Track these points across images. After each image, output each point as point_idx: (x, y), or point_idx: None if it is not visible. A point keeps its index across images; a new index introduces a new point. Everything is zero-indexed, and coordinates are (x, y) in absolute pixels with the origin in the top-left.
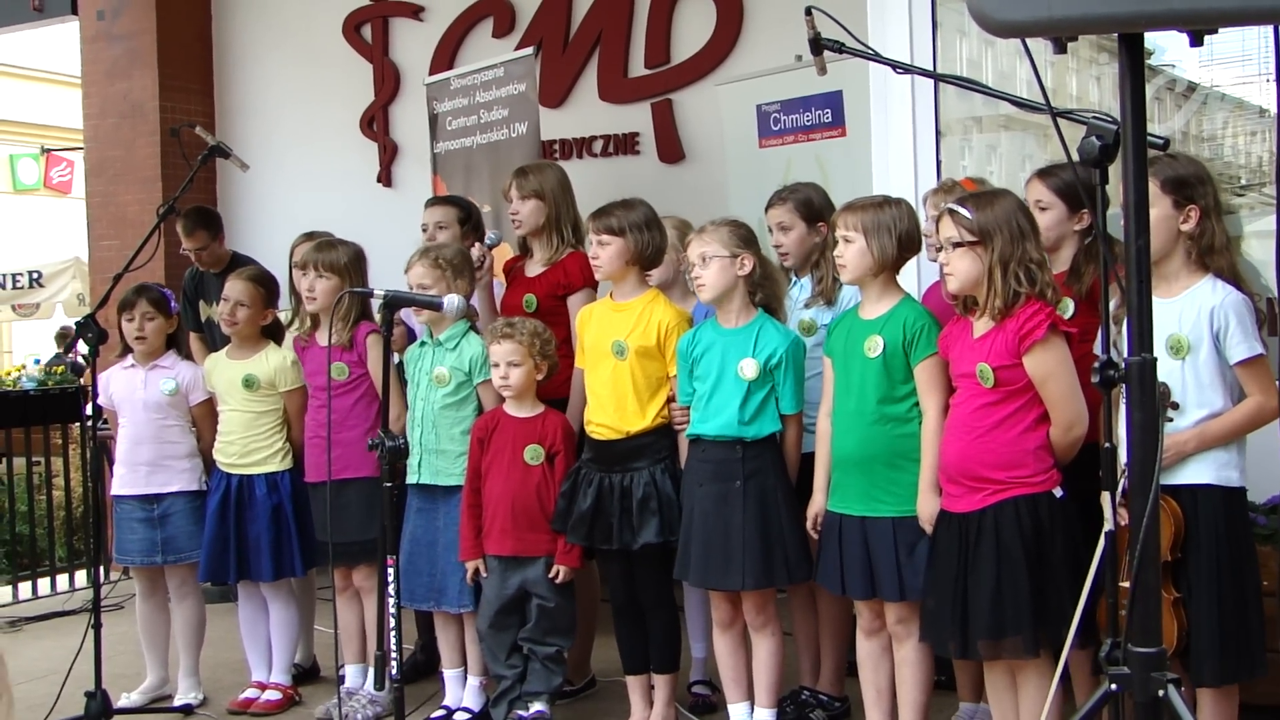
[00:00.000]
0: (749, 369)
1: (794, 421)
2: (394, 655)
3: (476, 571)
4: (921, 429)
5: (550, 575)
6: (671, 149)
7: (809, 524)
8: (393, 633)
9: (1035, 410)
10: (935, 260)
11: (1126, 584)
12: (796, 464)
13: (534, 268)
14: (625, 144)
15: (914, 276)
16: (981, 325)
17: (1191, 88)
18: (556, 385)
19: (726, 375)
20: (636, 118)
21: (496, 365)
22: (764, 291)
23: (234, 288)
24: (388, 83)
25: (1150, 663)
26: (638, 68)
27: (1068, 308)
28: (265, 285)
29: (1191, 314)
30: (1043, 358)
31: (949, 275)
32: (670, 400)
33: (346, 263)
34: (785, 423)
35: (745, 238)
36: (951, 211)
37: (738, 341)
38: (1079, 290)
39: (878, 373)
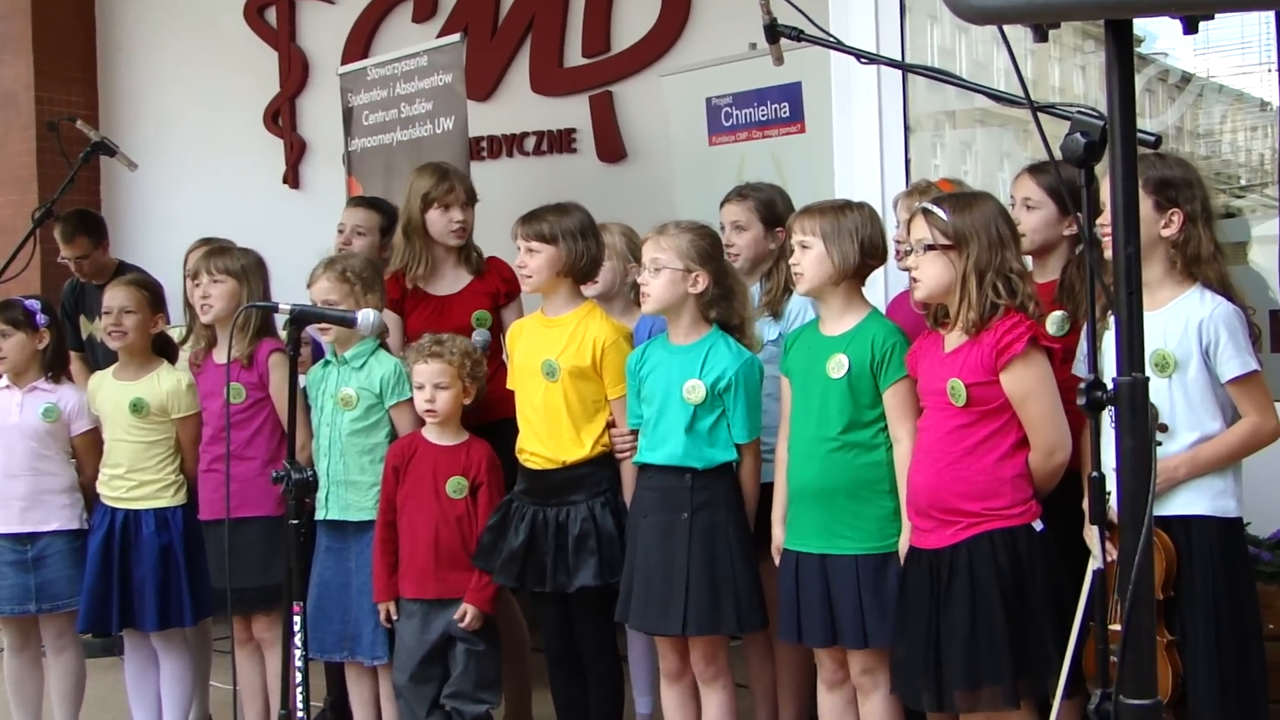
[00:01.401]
0: (694, 391)
1: (749, 450)
2: (300, 714)
3: (390, 615)
4: (895, 461)
5: (456, 617)
6: (612, 147)
7: (774, 552)
8: (299, 689)
9: (1013, 434)
10: (905, 269)
11: (1117, 627)
12: (754, 498)
13: (454, 282)
14: (561, 141)
15: (880, 292)
16: (953, 339)
17: (1186, 79)
18: (504, 405)
19: (673, 397)
20: (573, 112)
21: (421, 387)
22: (720, 310)
23: (115, 295)
24: (295, 72)
25: (1145, 717)
26: (574, 57)
27: (1057, 322)
28: (150, 289)
29: (1178, 328)
30: (1022, 374)
31: (917, 280)
32: (610, 426)
33: (244, 267)
34: (741, 452)
35: (705, 252)
36: (925, 211)
37: (685, 361)
38: (1073, 309)
39: (841, 395)
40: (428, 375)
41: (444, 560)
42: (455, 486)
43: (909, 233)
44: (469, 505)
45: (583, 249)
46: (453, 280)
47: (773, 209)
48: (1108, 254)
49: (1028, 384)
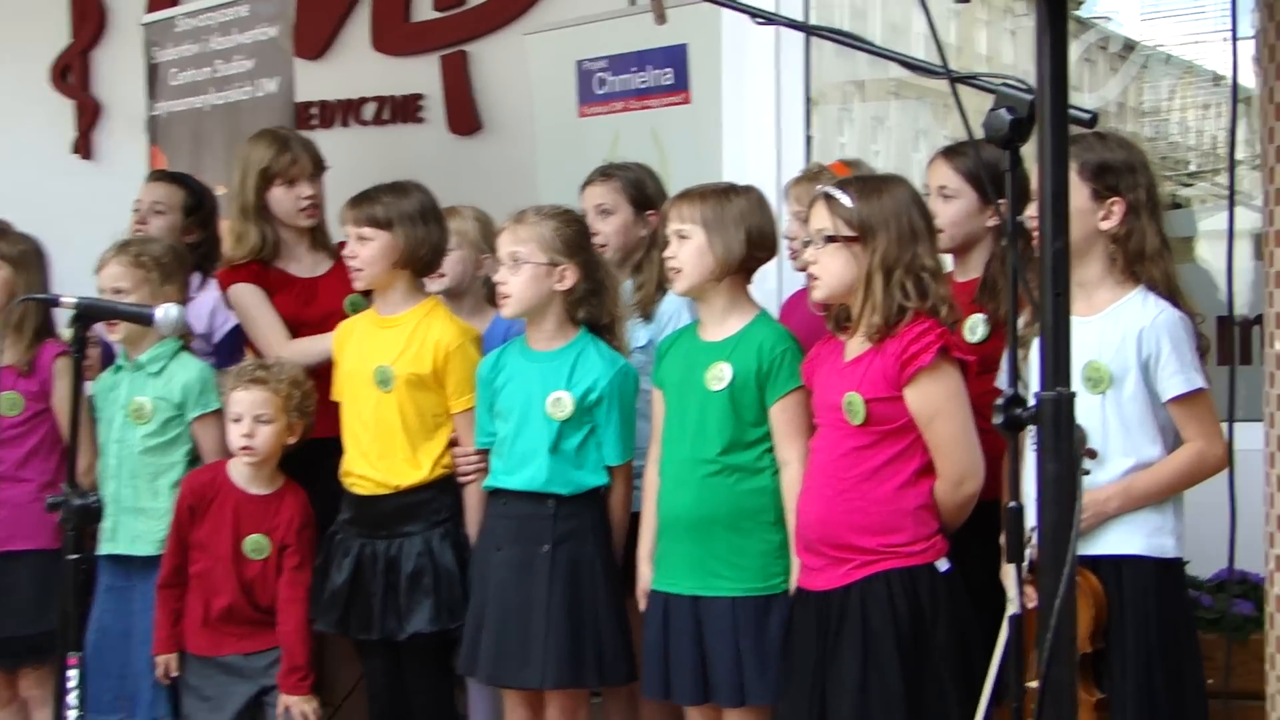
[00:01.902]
0: (561, 405)
1: (621, 475)
2: None
3: (169, 670)
4: (783, 484)
5: (279, 714)
6: (465, 116)
7: (639, 594)
8: None
9: (917, 459)
10: (799, 266)
11: (1034, 684)
12: (623, 530)
13: (314, 266)
14: (405, 109)
15: (775, 292)
16: (855, 346)
17: (1130, 47)
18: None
19: (534, 412)
20: (421, 75)
21: (238, 419)
22: (589, 309)
23: None
24: (89, 21)
25: None
26: (423, 10)
27: (976, 328)
28: None
29: (1115, 336)
30: (929, 390)
31: (816, 278)
32: (453, 444)
33: (22, 254)
34: (612, 475)
35: (573, 241)
36: (827, 197)
37: (549, 369)
38: (994, 309)
39: (722, 410)
40: (247, 405)
41: (238, 619)
42: (254, 546)
43: (808, 223)
44: (265, 569)
45: (423, 236)
46: (311, 266)
47: (642, 190)
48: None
49: (935, 401)
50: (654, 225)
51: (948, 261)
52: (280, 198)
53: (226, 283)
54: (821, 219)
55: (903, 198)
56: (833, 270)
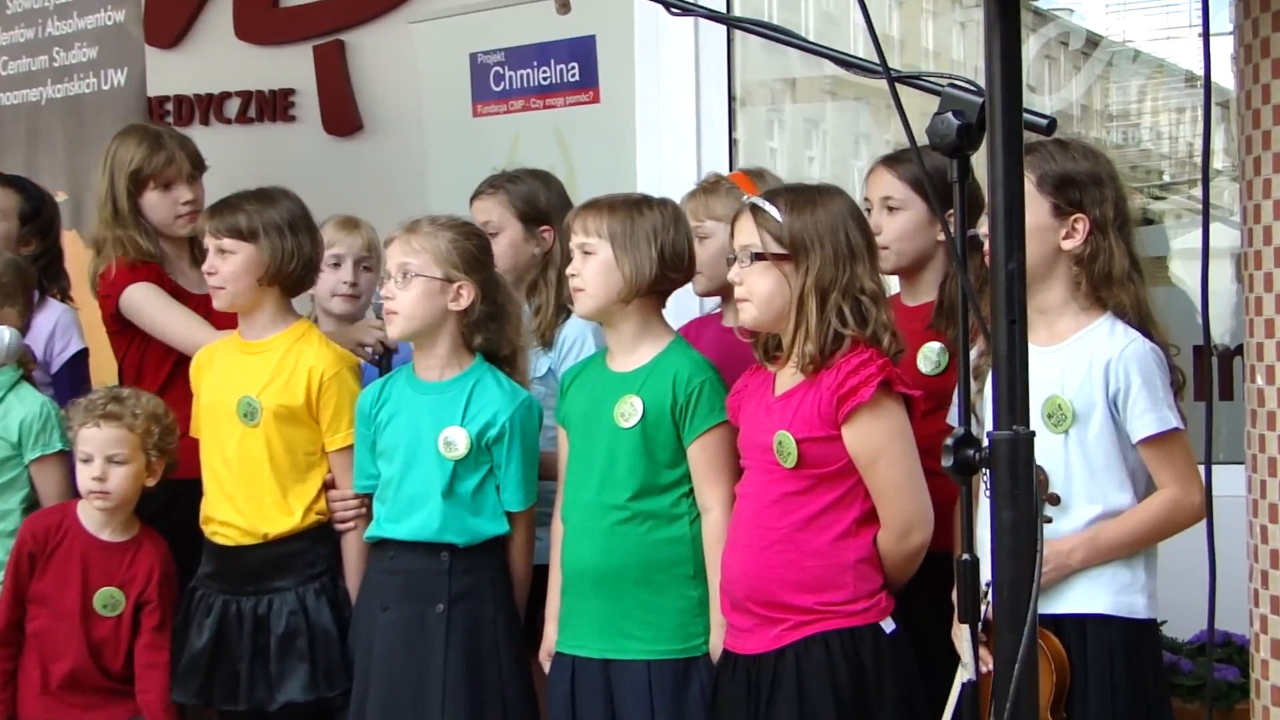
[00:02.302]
0: (455, 443)
1: (523, 522)
2: None
3: None
4: (704, 532)
5: None
6: (343, 115)
7: (543, 656)
8: None
9: (857, 506)
10: (700, 290)
11: None
12: (526, 584)
13: (200, 282)
14: (275, 106)
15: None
16: (786, 378)
17: (1094, 43)
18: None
19: (424, 451)
20: (292, 67)
21: (89, 459)
22: (487, 335)
23: None
24: None
25: None
26: None
27: (933, 358)
28: None
29: (1079, 369)
30: (870, 429)
31: (742, 301)
32: (329, 487)
33: None
34: (513, 523)
35: (471, 256)
36: (755, 210)
37: (441, 402)
38: (954, 336)
39: (633, 450)
40: (99, 444)
41: (84, 687)
42: (106, 601)
43: (732, 239)
44: (119, 628)
45: (293, 248)
46: (199, 280)
47: (534, 204)
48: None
49: (877, 441)
50: (549, 243)
51: (893, 283)
52: (155, 203)
53: (123, 283)
54: (748, 234)
55: (839, 211)
56: (761, 292)
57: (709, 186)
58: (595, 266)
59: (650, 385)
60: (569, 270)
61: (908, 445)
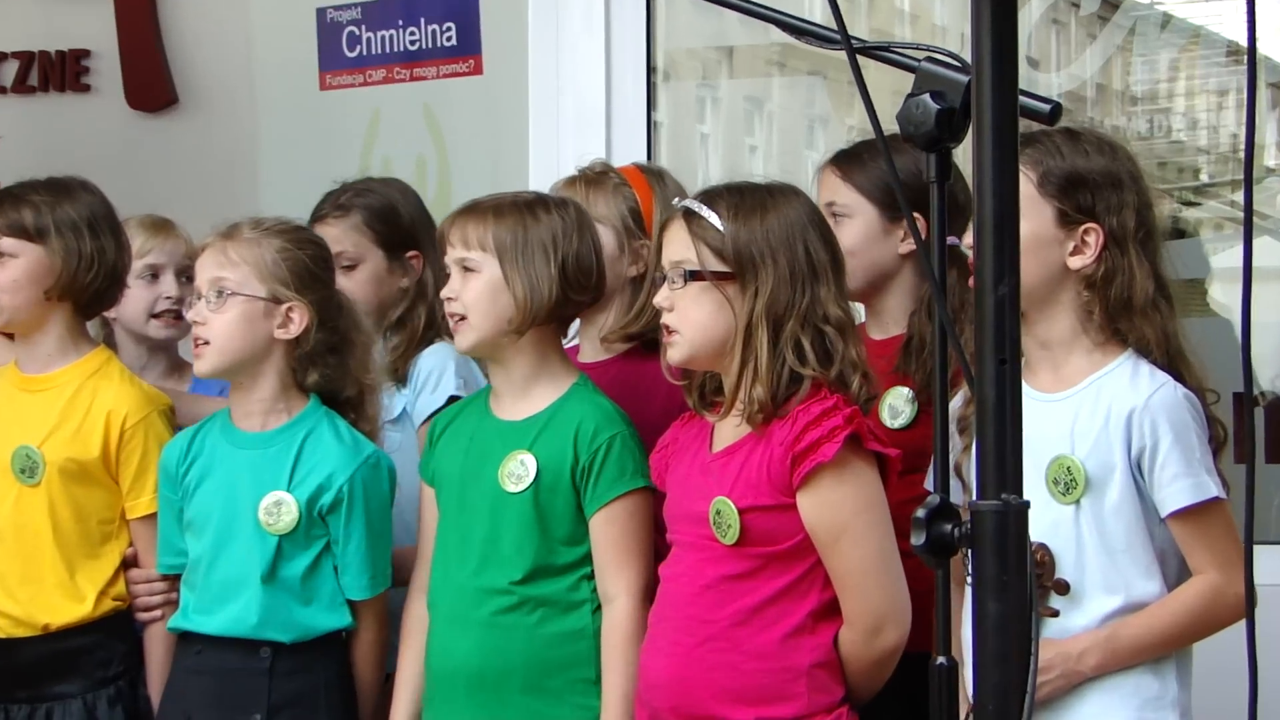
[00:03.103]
0: (280, 511)
1: (371, 613)
2: None
3: None
4: (604, 627)
5: None
6: (152, 85)
7: None
8: None
9: (814, 595)
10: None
11: None
12: (373, 692)
13: None
14: (64, 71)
15: None
16: (728, 430)
17: (1113, 5)
18: None
19: (241, 522)
20: (86, 24)
21: None
22: (324, 372)
23: None
24: None
25: None
26: None
27: (899, 408)
28: None
29: (1093, 422)
30: (833, 497)
31: (673, 334)
32: (129, 565)
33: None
34: (358, 614)
35: (305, 270)
36: (689, 215)
37: (263, 459)
38: (924, 380)
39: (523, 520)
40: None
41: None
42: None
43: (658, 255)
44: None
45: (92, 254)
46: None
47: (395, 223)
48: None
49: (841, 513)
50: (419, 271)
51: (860, 311)
52: None
53: None
54: (680, 247)
55: (796, 217)
56: (696, 320)
57: (593, 177)
58: (479, 288)
59: (546, 439)
60: (445, 293)
61: (880, 518)
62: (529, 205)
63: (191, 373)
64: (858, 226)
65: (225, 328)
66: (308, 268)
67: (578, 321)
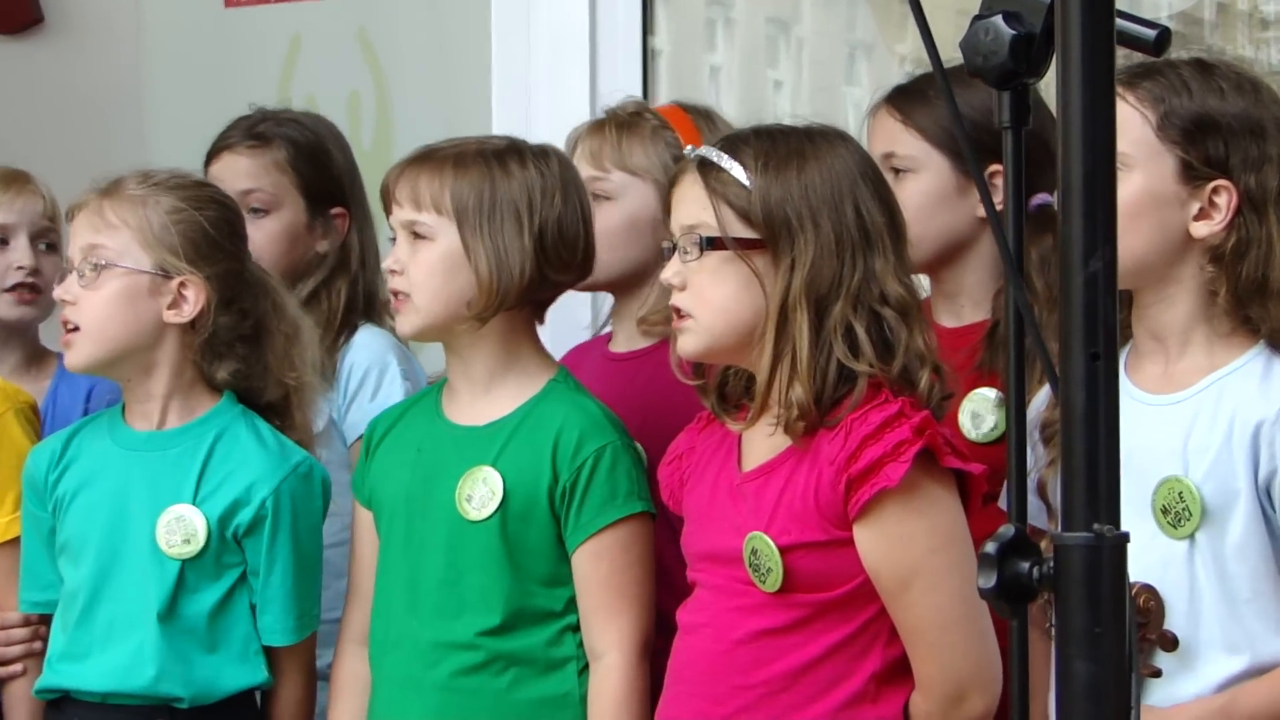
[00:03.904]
0: (184, 530)
1: (296, 664)
2: None
3: None
4: (590, 691)
5: None
6: (11, 3)
7: None
8: None
9: (877, 653)
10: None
11: None
12: None
13: None
14: None
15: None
16: (760, 441)
17: None
18: None
19: (132, 544)
20: None
21: None
22: (236, 366)
23: None
24: None
25: None
26: None
27: (982, 415)
28: None
29: (1213, 435)
30: (900, 532)
31: (686, 318)
32: None
33: None
34: (279, 665)
35: (204, 235)
36: (704, 166)
37: (162, 463)
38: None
39: (487, 555)
40: None
41: None
42: None
43: (667, 216)
44: None
45: None
46: None
47: (323, 167)
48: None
49: (912, 552)
50: (341, 234)
51: (921, 285)
52: None
53: None
54: (695, 207)
55: (843, 169)
56: (715, 301)
57: (625, 120)
58: (431, 261)
59: (515, 451)
60: (388, 264)
61: (960, 557)
62: (498, 155)
63: (51, 364)
64: (925, 183)
65: (100, 308)
66: (207, 233)
67: (611, 300)
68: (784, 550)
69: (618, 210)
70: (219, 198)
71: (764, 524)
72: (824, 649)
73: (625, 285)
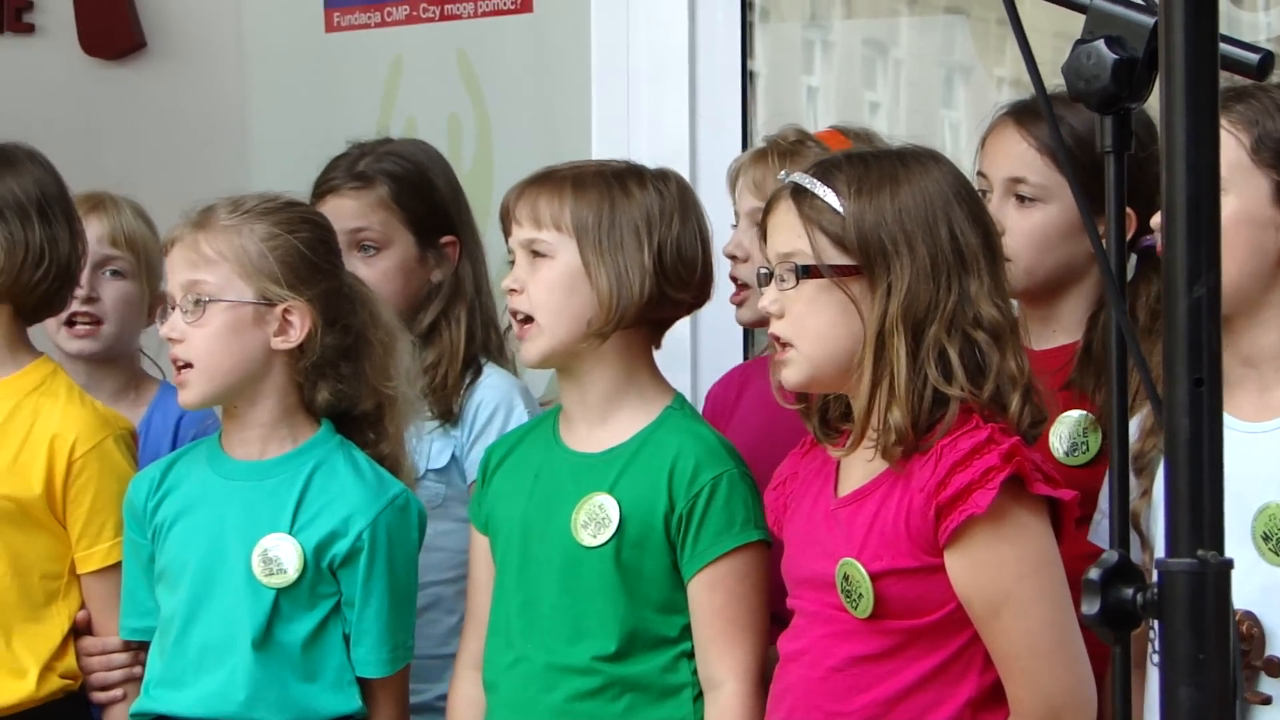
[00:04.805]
0: (280, 560)
1: (390, 697)
2: None
3: None
4: (707, 717)
5: None
6: (111, 26)
7: None
8: None
9: (971, 679)
10: (748, 321)
11: None
12: None
13: None
14: (1, 10)
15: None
16: (858, 467)
17: None
18: None
19: (228, 572)
20: None
21: None
22: (336, 386)
23: None
24: None
25: None
26: None
27: (1075, 439)
28: None
29: None
30: (989, 558)
31: (787, 348)
32: (81, 633)
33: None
34: (374, 697)
35: (300, 257)
36: (797, 193)
37: (259, 494)
38: (1103, 397)
39: (604, 581)
40: None
41: None
42: None
43: (763, 240)
44: None
45: (40, 245)
46: None
47: (428, 198)
48: None
49: (1002, 579)
50: (454, 261)
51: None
52: None
53: None
54: (789, 235)
55: (937, 190)
56: (815, 330)
57: (787, 148)
58: (552, 279)
59: (632, 479)
60: (508, 283)
61: (1051, 583)
62: (618, 176)
63: (151, 390)
64: (1053, 215)
65: (209, 344)
66: (303, 255)
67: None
68: (875, 576)
69: None
70: (310, 217)
71: (856, 550)
72: (918, 676)
73: None
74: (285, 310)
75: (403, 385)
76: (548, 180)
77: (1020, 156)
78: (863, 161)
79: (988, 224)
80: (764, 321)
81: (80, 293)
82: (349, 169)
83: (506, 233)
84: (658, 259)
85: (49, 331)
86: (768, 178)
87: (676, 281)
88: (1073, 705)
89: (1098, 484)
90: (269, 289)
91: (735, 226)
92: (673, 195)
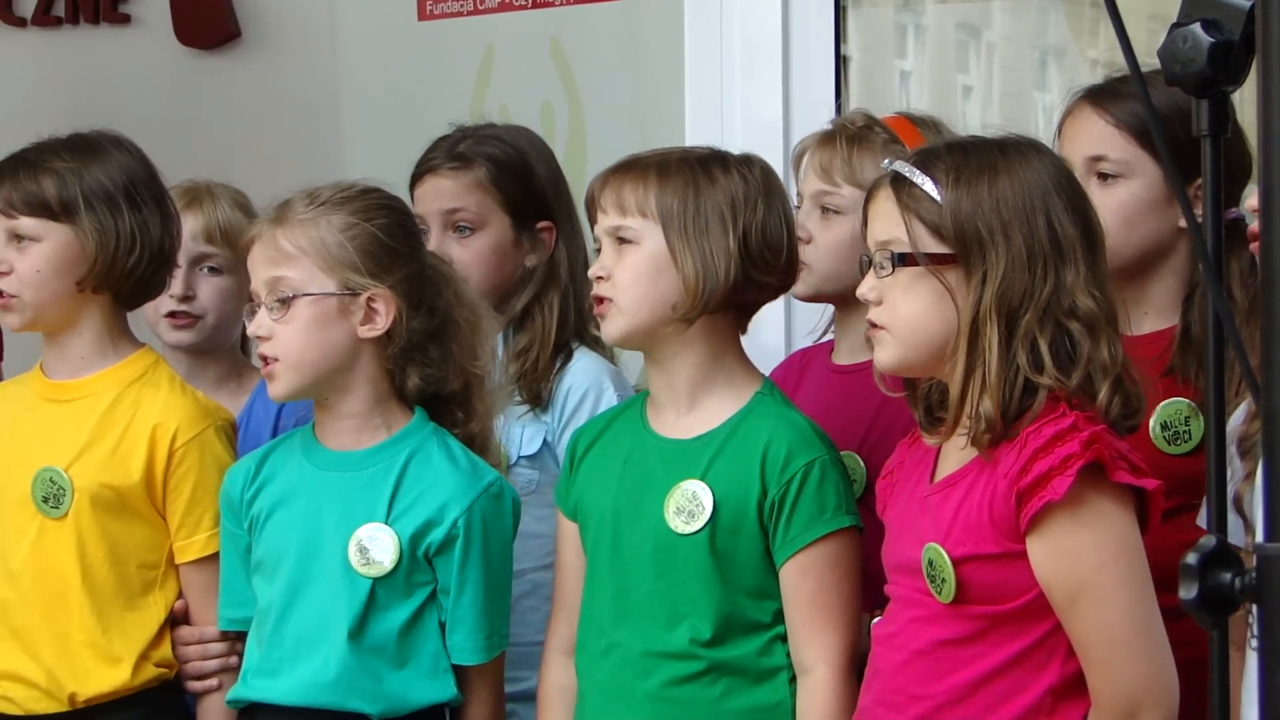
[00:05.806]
0: (375, 550)
1: (486, 683)
2: None
3: None
4: (800, 705)
5: None
6: (208, 16)
7: None
8: None
9: (1055, 667)
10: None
11: None
12: None
13: None
14: (98, 1)
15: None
16: (953, 454)
17: None
18: None
19: (324, 562)
20: None
21: None
22: (425, 370)
23: None
24: None
25: None
26: None
27: (1177, 426)
28: None
29: None
30: (1067, 545)
31: (878, 329)
32: (178, 622)
33: None
34: (469, 684)
35: (380, 245)
36: (897, 182)
37: (355, 484)
38: (1204, 387)
39: (698, 568)
40: None
41: None
42: None
43: (864, 230)
44: None
45: (131, 231)
46: None
47: (527, 182)
48: None
49: (1081, 566)
50: (549, 247)
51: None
52: None
53: None
54: (887, 222)
55: (1037, 181)
56: (909, 316)
57: (855, 133)
58: (638, 264)
59: (724, 465)
60: (594, 270)
61: (1131, 571)
62: (703, 163)
63: (252, 380)
64: (1136, 190)
65: (295, 338)
66: (383, 243)
67: (828, 310)
68: (957, 562)
69: (848, 224)
70: (386, 202)
71: (941, 535)
72: (1000, 661)
73: (851, 297)
74: (369, 299)
75: (490, 364)
76: (632, 167)
77: (1099, 135)
78: (963, 150)
79: (1088, 214)
80: (818, 296)
81: (177, 290)
82: (449, 150)
83: (592, 221)
84: (743, 243)
85: (149, 322)
86: (834, 160)
87: (762, 265)
88: (1152, 696)
89: (1200, 473)
90: (351, 279)
91: (799, 208)
92: (757, 180)
